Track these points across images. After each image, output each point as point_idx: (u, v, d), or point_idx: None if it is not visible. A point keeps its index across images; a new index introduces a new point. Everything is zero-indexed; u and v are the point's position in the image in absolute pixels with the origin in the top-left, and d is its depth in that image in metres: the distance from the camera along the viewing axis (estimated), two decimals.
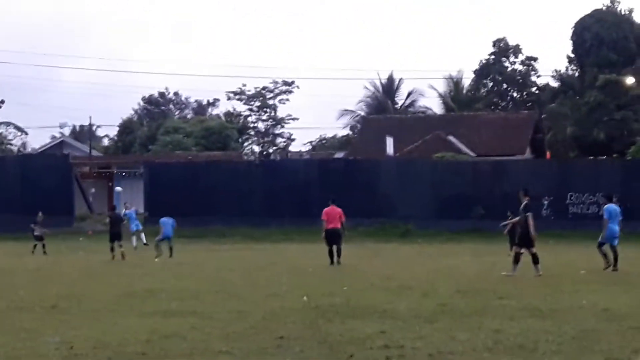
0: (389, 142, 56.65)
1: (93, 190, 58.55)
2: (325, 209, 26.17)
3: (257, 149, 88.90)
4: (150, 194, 49.64)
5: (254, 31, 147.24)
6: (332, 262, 25.08)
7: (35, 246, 33.49)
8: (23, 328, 11.68)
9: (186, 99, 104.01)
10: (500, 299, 15.26)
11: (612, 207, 22.71)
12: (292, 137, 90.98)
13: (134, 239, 36.28)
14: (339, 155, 67.44)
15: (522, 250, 20.72)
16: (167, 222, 33.30)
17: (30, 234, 34.59)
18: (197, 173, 49.96)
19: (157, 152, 67.17)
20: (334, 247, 25.20)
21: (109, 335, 10.94)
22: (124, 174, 61.26)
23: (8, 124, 76.77)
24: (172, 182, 49.14)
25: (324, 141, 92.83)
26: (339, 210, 25.95)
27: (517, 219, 21.73)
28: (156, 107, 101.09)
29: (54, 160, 55.17)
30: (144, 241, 36.13)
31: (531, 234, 20.57)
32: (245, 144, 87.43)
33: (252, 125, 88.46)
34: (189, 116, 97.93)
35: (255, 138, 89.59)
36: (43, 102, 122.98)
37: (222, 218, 47.07)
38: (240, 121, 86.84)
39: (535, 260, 20.59)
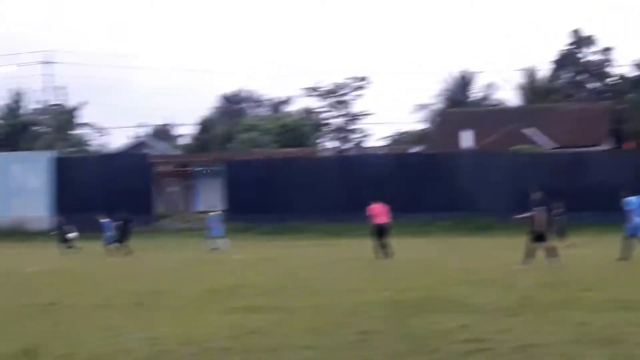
0: (467, 135, 56.33)
1: (173, 188, 59.28)
2: (372, 205, 27.11)
3: (333, 145, 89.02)
4: (229, 191, 50.10)
5: (329, 28, 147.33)
6: (377, 256, 25.67)
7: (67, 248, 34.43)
8: (109, 325, 11.86)
9: (263, 96, 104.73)
10: (584, 291, 15.05)
11: (633, 199, 22.85)
12: (368, 132, 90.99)
13: (217, 242, 35.83)
14: (415, 149, 67.20)
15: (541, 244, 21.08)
16: (213, 220, 33.95)
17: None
18: (275, 170, 50.24)
19: (235, 150, 67.72)
20: (381, 241, 26.00)
21: (194, 331, 11.08)
22: (203, 172, 61.90)
23: (90, 124, 78.32)
24: (250, 179, 49.53)
25: (400, 136, 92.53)
26: (386, 207, 26.92)
27: (534, 213, 21.52)
28: (233, 105, 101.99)
29: (134, 160, 56.10)
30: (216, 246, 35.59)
31: (540, 229, 20.95)
32: (322, 140, 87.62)
33: (328, 121, 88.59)
34: (265, 114, 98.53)
35: (332, 134, 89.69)
36: (123, 102, 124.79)
37: (300, 214, 47.29)
38: (316, 118, 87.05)
39: (550, 254, 20.94)
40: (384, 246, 25.98)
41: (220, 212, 38.65)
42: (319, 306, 13.69)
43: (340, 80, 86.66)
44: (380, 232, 26.36)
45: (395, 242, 26.74)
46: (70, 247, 34.51)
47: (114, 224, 34.59)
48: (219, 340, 10.32)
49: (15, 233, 48.20)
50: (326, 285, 17.51)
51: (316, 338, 10.45)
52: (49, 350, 9.76)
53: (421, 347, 9.88)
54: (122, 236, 33.53)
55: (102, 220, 35.70)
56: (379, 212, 26.85)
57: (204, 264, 26.21)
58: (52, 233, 36.81)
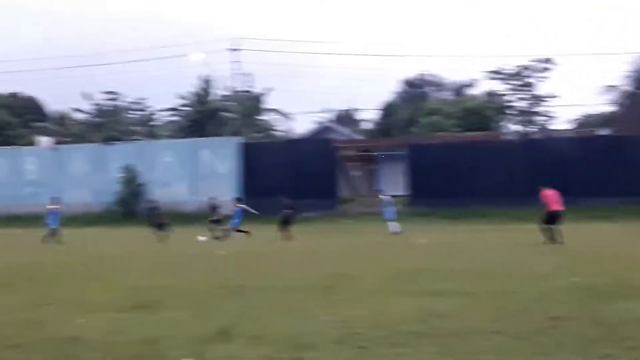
0: None
1: (357, 173, 59.81)
2: (546, 191, 27.53)
3: (517, 128, 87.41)
4: (412, 175, 50.11)
5: (512, 9, 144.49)
6: (547, 241, 25.92)
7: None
8: (300, 307, 12.05)
9: (445, 80, 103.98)
10: None
11: None
12: (553, 115, 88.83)
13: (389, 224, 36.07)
14: (602, 132, 65.13)
15: None
16: (385, 203, 34.09)
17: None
18: (458, 154, 49.88)
19: (418, 134, 67.54)
20: (554, 227, 26.29)
21: (383, 314, 11.13)
22: (384, 156, 62.16)
23: (275, 110, 79.90)
24: (433, 163, 49.42)
25: (586, 118, 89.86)
26: (558, 193, 27.38)
27: None
28: (415, 89, 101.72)
29: (319, 145, 56.78)
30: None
31: None
32: (506, 123, 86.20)
33: (511, 104, 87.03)
34: (448, 97, 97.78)
35: (516, 117, 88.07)
36: (307, 88, 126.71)
37: (483, 198, 46.81)
38: (500, 101, 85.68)
39: None
40: (554, 232, 26.08)
41: (389, 195, 38.40)
42: (505, 291, 13.50)
43: (524, 62, 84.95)
44: (554, 218, 26.63)
45: (580, 227, 26.13)
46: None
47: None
48: (409, 324, 10.32)
49: (204, 217, 49.82)
50: (512, 270, 17.25)
51: (505, 323, 10.30)
52: (241, 331, 9.99)
53: (612, 335, 9.59)
54: (286, 222, 33.78)
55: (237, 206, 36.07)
56: (553, 198, 27.12)
57: (388, 248, 26.31)
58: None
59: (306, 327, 10.26)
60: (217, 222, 36.45)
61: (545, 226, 26.64)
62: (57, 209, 35.09)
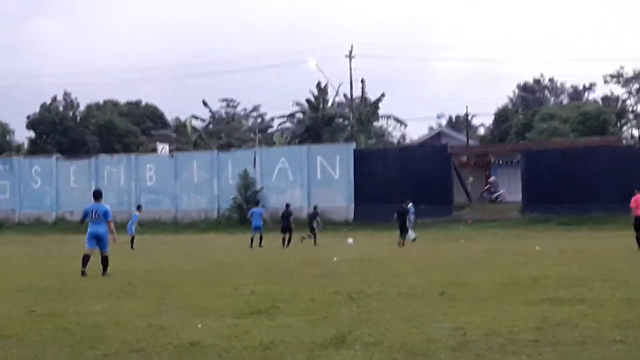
0: None
1: (471, 179, 59.34)
2: (635, 197, 27.11)
3: (636, 132, 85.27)
4: (528, 181, 49.45)
5: (629, 11, 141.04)
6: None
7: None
8: (415, 314, 12.01)
9: (562, 84, 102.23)
10: None
11: None
12: None
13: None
14: None
15: None
16: (256, 212, 33.71)
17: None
18: (575, 159, 48.98)
19: (534, 140, 66.55)
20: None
21: (499, 322, 11.00)
22: (500, 162, 61.50)
23: (389, 116, 79.82)
24: (549, 169, 48.69)
25: None
26: None
27: None
28: (531, 94, 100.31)
29: (433, 151, 56.48)
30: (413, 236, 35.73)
31: None
32: (624, 128, 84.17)
33: (630, 108, 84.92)
34: (565, 102, 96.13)
35: (635, 121, 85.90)
36: (420, 93, 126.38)
37: (602, 204, 45.83)
38: (618, 105, 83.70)
39: None
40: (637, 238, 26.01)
41: (411, 203, 38.17)
42: (628, 299, 13.20)
43: None
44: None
45: None
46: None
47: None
48: (526, 332, 10.19)
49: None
50: (635, 277, 16.88)
51: (627, 332, 10.06)
52: (357, 338, 10.01)
53: None
54: (402, 227, 33.77)
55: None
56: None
57: (504, 255, 26.02)
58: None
59: (422, 334, 10.23)
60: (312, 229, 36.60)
61: (635, 232, 26.48)
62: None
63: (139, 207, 37.98)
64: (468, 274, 18.70)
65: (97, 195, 20.91)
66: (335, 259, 24.95)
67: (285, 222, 35.53)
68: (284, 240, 34.99)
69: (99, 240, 20.15)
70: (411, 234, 35.74)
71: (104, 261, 20.14)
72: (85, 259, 20.10)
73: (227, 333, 10.64)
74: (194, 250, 33.60)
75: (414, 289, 15.50)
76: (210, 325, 11.35)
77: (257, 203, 37.02)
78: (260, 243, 34.38)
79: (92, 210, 20.37)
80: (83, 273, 19.83)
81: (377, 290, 15.31)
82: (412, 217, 37.24)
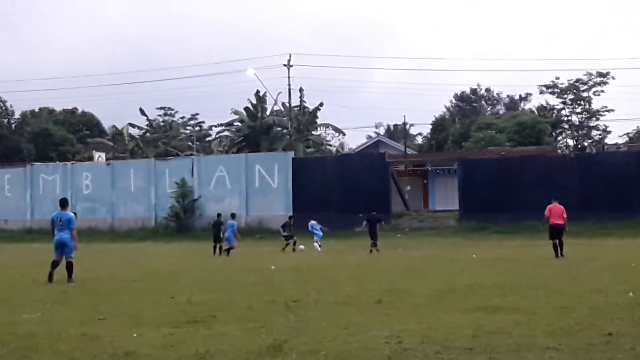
0: None
1: (409, 187, 59.73)
2: (550, 206, 28.12)
3: (571, 142, 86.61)
4: (465, 190, 49.89)
5: (564, 23, 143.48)
6: (556, 255, 26.69)
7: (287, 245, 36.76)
8: (352, 322, 12.05)
9: (498, 94, 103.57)
10: None
11: None
12: (608, 129, 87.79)
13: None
14: None
15: None
16: (229, 224, 34.57)
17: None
18: (511, 169, 49.54)
19: (470, 149, 67.26)
20: (557, 241, 27.07)
21: (435, 330, 11.08)
22: (438, 171, 62.04)
23: (327, 125, 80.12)
24: (485, 178, 49.15)
25: None
26: (562, 207, 27.96)
27: None
28: (468, 104, 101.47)
29: (371, 159, 56.69)
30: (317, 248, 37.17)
31: None
32: (559, 137, 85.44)
33: (565, 118, 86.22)
34: (501, 112, 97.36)
35: (570, 131, 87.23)
36: (358, 103, 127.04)
37: (537, 213, 46.28)
38: (554, 115, 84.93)
39: None
40: (557, 246, 27.01)
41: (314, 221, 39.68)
42: (560, 307, 13.39)
43: (578, 76, 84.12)
44: (556, 232, 27.42)
45: (637, 242, 25.81)
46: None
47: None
48: (461, 340, 10.27)
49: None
50: (566, 285, 17.13)
51: (559, 339, 10.21)
52: (294, 346, 10.01)
53: None
54: (372, 234, 34.15)
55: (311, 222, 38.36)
56: (555, 212, 27.80)
57: (440, 263, 26.21)
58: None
59: (358, 342, 10.28)
60: (288, 237, 37.31)
61: (551, 240, 27.50)
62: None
63: (233, 216, 37.71)
64: (405, 282, 18.81)
65: (63, 203, 21.56)
66: (272, 267, 24.92)
67: (215, 232, 35.86)
68: (214, 248, 35.31)
69: (63, 246, 20.63)
70: (317, 247, 37.09)
71: (69, 267, 20.55)
72: (55, 264, 20.63)
73: (163, 342, 10.58)
74: (130, 258, 33.31)
75: (350, 297, 15.55)
76: (146, 334, 11.28)
77: (232, 216, 37.17)
78: (221, 252, 34.85)
79: (57, 218, 20.95)
80: (51, 276, 20.31)
81: (314, 299, 15.34)
82: (317, 231, 38.65)
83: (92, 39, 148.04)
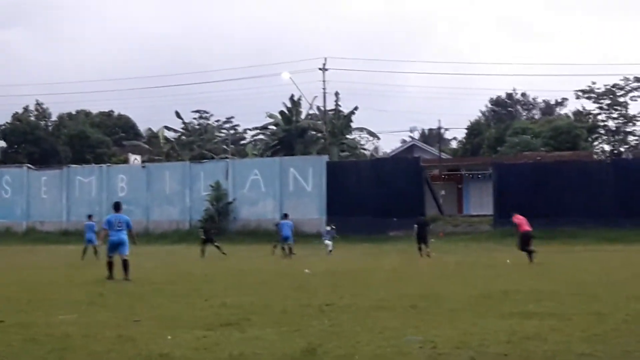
0: None
1: (443, 192, 59.50)
2: (517, 215, 29.72)
3: (607, 148, 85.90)
4: (499, 195, 49.62)
5: (602, 28, 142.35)
6: (531, 260, 27.62)
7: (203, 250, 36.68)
8: (386, 327, 12.00)
9: (534, 99, 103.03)
10: None
11: None
12: None
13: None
14: None
15: None
16: (285, 224, 34.60)
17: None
18: (546, 173, 49.22)
19: (505, 154, 66.88)
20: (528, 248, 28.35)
21: (469, 335, 11.03)
22: (472, 176, 61.74)
23: (362, 129, 80.00)
24: (520, 183, 48.85)
25: None
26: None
27: None
28: (503, 108, 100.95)
29: (405, 164, 56.60)
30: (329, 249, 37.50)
31: None
32: (596, 143, 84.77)
33: (602, 123, 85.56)
34: (536, 116, 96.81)
35: (606, 137, 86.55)
36: (393, 107, 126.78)
37: (572, 219, 46.11)
38: (590, 120, 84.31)
39: None
40: (530, 252, 28.00)
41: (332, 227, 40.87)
42: (597, 313, 13.28)
43: (616, 81, 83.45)
44: (527, 239, 28.65)
45: None
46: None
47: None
48: (496, 345, 10.22)
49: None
50: (603, 291, 16.98)
51: (595, 345, 10.12)
52: (327, 351, 10.00)
53: None
54: (421, 238, 34.18)
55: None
56: (523, 221, 29.26)
57: (474, 268, 26.10)
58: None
59: (393, 347, 10.24)
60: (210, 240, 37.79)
61: (521, 248, 28.60)
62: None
63: (286, 216, 39.19)
64: (440, 287, 18.74)
65: (118, 206, 23.23)
66: (306, 271, 24.92)
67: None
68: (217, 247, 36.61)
69: (120, 245, 22.04)
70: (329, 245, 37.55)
71: (126, 265, 21.84)
72: (111, 265, 21.99)
73: (197, 345, 10.61)
74: (165, 261, 33.47)
75: (385, 302, 15.51)
76: (180, 336, 11.31)
77: (285, 216, 37.88)
78: (290, 252, 35.54)
79: (115, 220, 22.37)
80: (110, 277, 21.75)
81: (348, 303, 15.32)
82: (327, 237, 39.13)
83: (128, 42, 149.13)
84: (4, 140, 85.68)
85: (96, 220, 36.54)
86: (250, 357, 9.70)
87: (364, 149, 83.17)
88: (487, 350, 9.95)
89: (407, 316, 13.36)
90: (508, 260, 29.02)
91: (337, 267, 27.25)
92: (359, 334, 11.30)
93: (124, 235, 22.17)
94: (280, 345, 10.49)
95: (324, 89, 67.99)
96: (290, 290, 18.32)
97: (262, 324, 12.56)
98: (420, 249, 33.77)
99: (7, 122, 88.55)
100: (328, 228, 39.88)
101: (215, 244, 36.94)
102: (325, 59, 67.38)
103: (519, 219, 29.43)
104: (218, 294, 17.26)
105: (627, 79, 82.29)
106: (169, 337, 11.22)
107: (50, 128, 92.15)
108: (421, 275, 23.24)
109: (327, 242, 37.42)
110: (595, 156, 71.37)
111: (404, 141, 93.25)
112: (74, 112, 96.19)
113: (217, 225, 39.08)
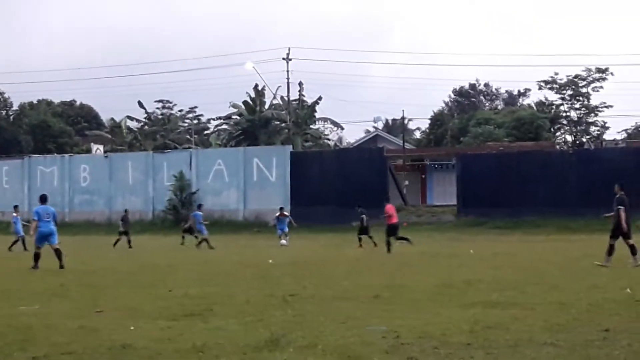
0: None
1: (407, 182, 59.68)
2: (388, 206, 30.76)
3: (569, 138, 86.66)
4: (463, 185, 49.87)
5: (564, 19, 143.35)
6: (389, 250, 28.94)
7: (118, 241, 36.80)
8: (349, 316, 12.02)
9: (497, 89, 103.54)
10: None
11: None
12: (606, 125, 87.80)
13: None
14: None
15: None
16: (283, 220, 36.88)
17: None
18: (509, 164, 49.56)
19: (469, 144, 67.24)
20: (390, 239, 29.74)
21: (432, 325, 11.05)
22: (436, 166, 62.01)
23: (325, 119, 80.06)
24: (484, 173, 49.14)
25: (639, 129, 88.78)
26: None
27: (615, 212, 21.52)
28: (467, 99, 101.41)
29: (369, 154, 56.72)
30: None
31: (622, 226, 21.18)
32: (558, 133, 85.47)
33: (564, 114, 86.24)
34: (499, 107, 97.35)
35: (568, 127, 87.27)
36: (357, 97, 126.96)
37: (535, 209, 46.46)
38: (552, 110, 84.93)
39: (633, 251, 21.10)
40: (389, 243, 29.38)
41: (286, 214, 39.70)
42: (558, 302, 13.36)
43: (577, 72, 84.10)
44: (395, 230, 30.28)
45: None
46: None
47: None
48: (459, 335, 10.25)
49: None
50: (565, 281, 17.10)
51: (557, 335, 10.18)
52: (291, 340, 9.97)
53: None
54: (362, 229, 34.32)
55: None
56: (393, 212, 30.50)
57: (439, 258, 26.20)
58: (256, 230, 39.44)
59: (356, 336, 10.24)
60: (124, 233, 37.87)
61: (387, 238, 29.64)
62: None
63: (199, 207, 40.18)
64: (403, 277, 18.81)
65: (44, 198, 23.63)
66: (270, 261, 24.90)
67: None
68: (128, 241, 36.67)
69: (51, 236, 22.52)
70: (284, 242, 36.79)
71: (59, 253, 22.33)
72: (37, 256, 22.36)
73: (160, 335, 10.57)
74: (127, 252, 33.31)
75: (348, 292, 15.54)
76: (143, 327, 11.26)
77: (199, 207, 38.29)
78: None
79: (43, 211, 22.73)
80: (35, 268, 21.97)
81: (312, 293, 15.34)
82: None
83: (91, 32, 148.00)
84: None
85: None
86: (214, 347, 9.66)
87: (328, 139, 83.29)
88: (450, 339, 9.97)
89: (370, 306, 13.39)
90: (471, 251, 29.18)
91: (301, 257, 27.23)
92: (322, 324, 11.30)
93: (53, 226, 22.68)
94: (243, 335, 10.47)
95: (287, 78, 67.87)
96: (253, 281, 18.32)
97: (226, 314, 12.54)
98: (360, 239, 34.09)
99: None
100: (277, 214, 38.78)
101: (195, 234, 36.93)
102: (289, 49, 67.27)
103: (391, 209, 30.51)
104: (181, 285, 17.20)
105: (589, 70, 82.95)
106: (132, 328, 11.18)
107: (11, 117, 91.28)
108: (384, 265, 23.27)
109: (283, 242, 36.65)
110: (557, 147, 72.04)
111: (367, 131, 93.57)
112: (35, 102, 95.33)
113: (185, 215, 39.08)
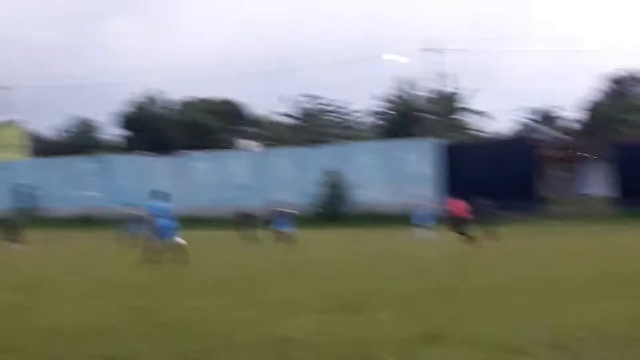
0: None
1: (559, 173, 58.45)
2: (456, 200, 31.59)
3: None
4: (621, 176, 48.49)
5: None
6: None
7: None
8: (509, 311, 11.88)
9: None
10: None
11: None
12: None
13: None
14: None
15: None
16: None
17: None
18: None
19: (625, 133, 65.24)
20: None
21: (592, 318, 10.80)
22: (589, 156, 60.46)
23: (475, 110, 79.11)
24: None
25: None
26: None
27: None
28: (622, 85, 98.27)
29: (520, 145, 55.79)
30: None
31: None
32: None
33: None
34: None
35: None
36: (506, 86, 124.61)
37: None
38: None
39: None
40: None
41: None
42: None
43: None
44: (463, 223, 30.40)
45: None
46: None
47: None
48: (618, 327, 10.01)
49: (405, 219, 50.08)
50: None
51: None
52: (451, 334, 9.94)
53: None
54: (485, 222, 33.52)
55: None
56: (459, 206, 30.88)
57: (593, 249, 25.62)
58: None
59: (517, 330, 10.11)
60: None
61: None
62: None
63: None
64: (558, 270, 18.49)
65: (163, 196, 24.40)
66: (426, 255, 24.86)
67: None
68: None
69: (172, 230, 23.29)
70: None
71: (180, 248, 22.92)
72: (158, 252, 22.73)
73: (318, 329, 10.62)
74: (282, 246, 33.83)
75: (505, 285, 15.35)
76: (301, 320, 11.33)
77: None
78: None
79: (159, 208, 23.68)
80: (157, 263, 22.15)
81: (470, 287, 15.24)
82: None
83: (239, 30, 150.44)
84: (125, 129, 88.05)
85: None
86: (372, 340, 9.66)
87: (478, 131, 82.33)
88: (610, 332, 9.74)
89: (529, 299, 13.15)
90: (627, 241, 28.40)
91: (457, 251, 27.06)
92: (483, 318, 11.21)
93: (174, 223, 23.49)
94: (402, 328, 10.43)
95: (436, 70, 67.45)
96: (409, 274, 18.31)
97: (383, 307, 12.47)
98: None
99: (124, 110, 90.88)
100: (281, 208, 38.17)
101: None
102: (436, 42, 66.75)
103: (455, 204, 31.39)
104: (337, 278, 17.40)
105: None
106: (289, 321, 11.32)
107: (166, 115, 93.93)
108: (539, 258, 22.93)
109: (425, 234, 36.23)
110: None
111: (519, 122, 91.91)
112: (189, 99, 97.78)
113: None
